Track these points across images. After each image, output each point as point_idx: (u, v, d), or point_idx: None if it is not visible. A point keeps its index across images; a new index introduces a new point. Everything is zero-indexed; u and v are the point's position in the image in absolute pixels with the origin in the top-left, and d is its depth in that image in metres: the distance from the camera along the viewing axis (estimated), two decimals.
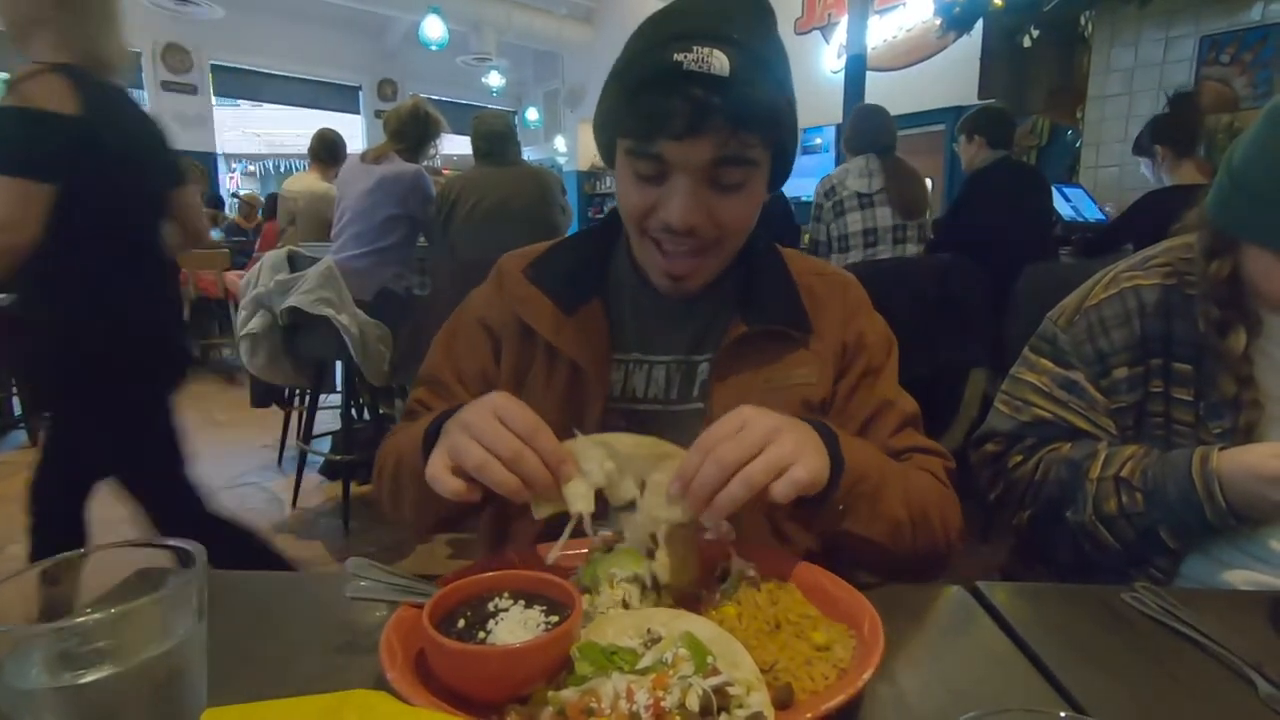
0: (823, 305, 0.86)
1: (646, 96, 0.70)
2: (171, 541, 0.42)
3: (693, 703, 0.46)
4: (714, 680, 0.48)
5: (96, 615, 0.37)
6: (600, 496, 0.63)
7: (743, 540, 0.73)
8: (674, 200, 0.73)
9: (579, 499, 0.61)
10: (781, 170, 0.80)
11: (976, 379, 2.89)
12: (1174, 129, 2.86)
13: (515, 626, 0.52)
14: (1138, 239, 3.01)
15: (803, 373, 0.83)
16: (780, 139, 0.76)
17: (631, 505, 0.63)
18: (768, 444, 0.58)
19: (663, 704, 0.45)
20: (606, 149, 0.81)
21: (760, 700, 0.48)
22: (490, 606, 0.55)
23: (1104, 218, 3.56)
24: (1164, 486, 0.83)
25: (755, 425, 0.59)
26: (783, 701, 0.49)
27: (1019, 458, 0.98)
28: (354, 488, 2.91)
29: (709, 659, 0.50)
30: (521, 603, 0.55)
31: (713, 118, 0.69)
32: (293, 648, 0.60)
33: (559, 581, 0.57)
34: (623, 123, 0.75)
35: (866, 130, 3.12)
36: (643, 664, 0.49)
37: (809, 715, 0.44)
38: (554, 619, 0.54)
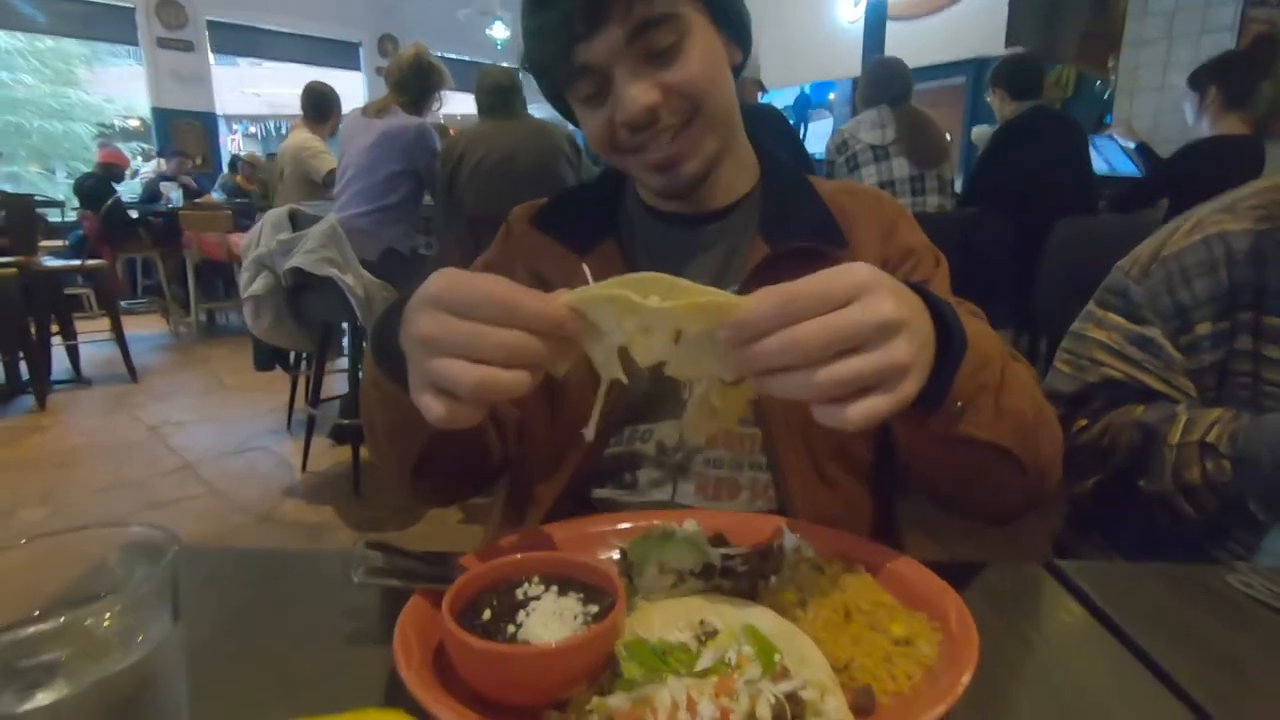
0: (856, 220, 0.78)
1: (538, 20, 0.68)
2: (138, 526, 0.35)
3: (764, 712, 0.39)
4: (786, 685, 0.40)
5: (43, 624, 0.30)
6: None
7: (786, 486, 0.67)
8: (619, 98, 0.68)
9: (603, 366, 0.49)
10: (729, 11, 0.73)
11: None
12: (1238, 72, 2.68)
13: (549, 618, 0.45)
14: (1175, 193, 2.86)
15: None
16: None
17: (662, 364, 0.49)
18: (877, 342, 0.42)
19: (731, 717, 0.38)
20: (563, 108, 0.78)
21: (837, 707, 0.41)
22: (519, 594, 0.48)
23: (1136, 170, 3.40)
24: (1257, 454, 0.75)
25: (873, 306, 0.42)
26: (864, 707, 0.42)
27: (1083, 422, 0.90)
28: (364, 451, 2.87)
29: (776, 658, 0.43)
30: (555, 589, 0.48)
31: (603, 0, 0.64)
32: (294, 638, 0.53)
33: (595, 565, 0.50)
34: (544, 65, 0.72)
35: (879, 80, 2.98)
36: (701, 665, 0.42)
37: None
38: (593, 608, 0.47)
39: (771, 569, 0.56)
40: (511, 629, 0.45)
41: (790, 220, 0.75)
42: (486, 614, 0.46)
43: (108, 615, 0.31)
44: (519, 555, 0.51)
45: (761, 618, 0.47)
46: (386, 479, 0.75)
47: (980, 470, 0.59)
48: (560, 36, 0.67)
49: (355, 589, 0.54)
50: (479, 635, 0.43)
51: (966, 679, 0.41)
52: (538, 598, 0.48)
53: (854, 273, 0.43)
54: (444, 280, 0.48)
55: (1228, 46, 3.42)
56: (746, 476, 0.75)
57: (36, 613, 0.31)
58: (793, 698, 0.40)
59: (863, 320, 0.42)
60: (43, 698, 0.29)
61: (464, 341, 0.46)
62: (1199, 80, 2.72)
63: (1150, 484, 0.81)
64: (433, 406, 0.47)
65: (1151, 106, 3.74)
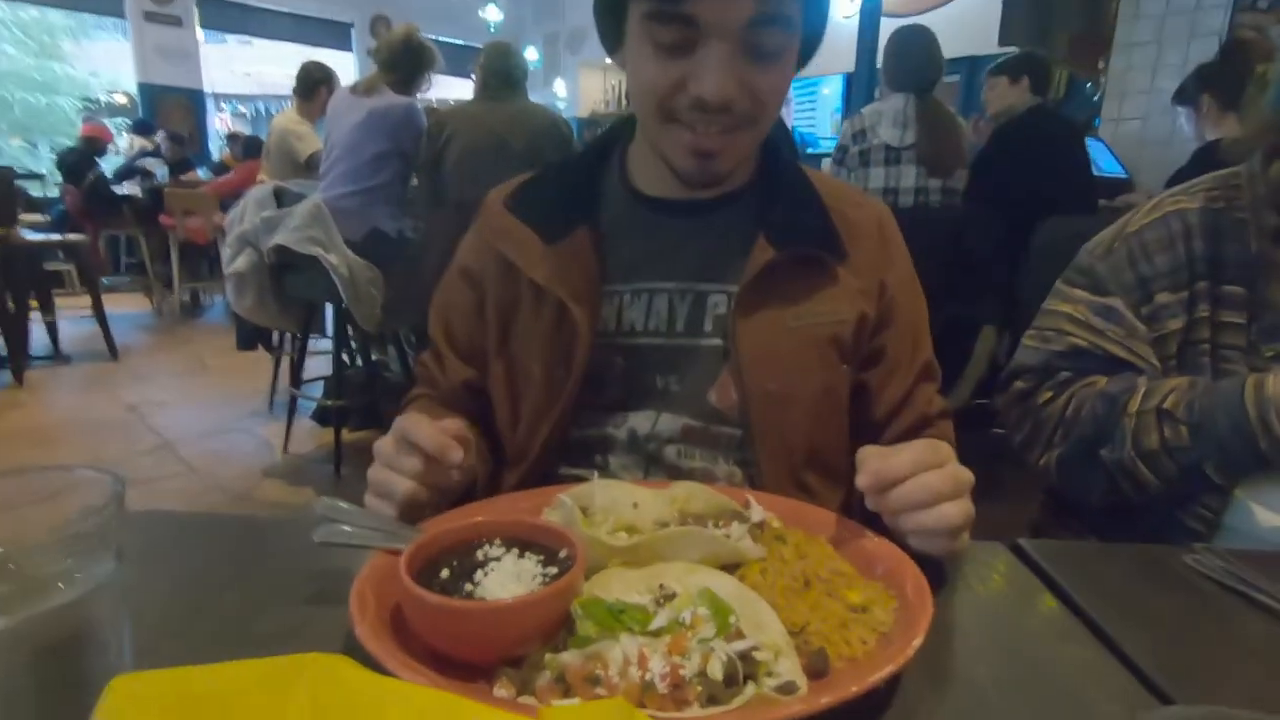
0: (857, 232, 0.77)
1: None
2: (82, 468, 0.34)
3: (715, 670, 0.39)
4: (739, 645, 0.41)
5: None
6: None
7: (762, 489, 0.67)
8: (708, 71, 0.63)
9: None
10: (811, 41, 0.71)
11: (987, 335, 2.79)
12: (1224, 77, 2.68)
13: (507, 579, 0.45)
14: None
15: (833, 309, 0.74)
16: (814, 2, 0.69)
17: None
18: (964, 497, 0.55)
19: (681, 672, 0.38)
20: (610, 24, 0.70)
21: (790, 668, 0.41)
22: (479, 555, 0.48)
23: (1124, 172, 3.42)
24: (1213, 418, 0.77)
25: (961, 471, 0.56)
26: (817, 669, 0.43)
27: (1049, 394, 0.92)
28: (346, 433, 2.85)
29: (731, 619, 0.43)
30: (515, 551, 0.48)
31: None
32: (253, 601, 0.53)
33: (557, 529, 0.50)
34: None
35: (910, 57, 2.74)
36: (656, 624, 0.43)
37: (855, 689, 0.37)
38: (552, 570, 0.47)
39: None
40: (469, 587, 0.45)
41: (796, 224, 0.75)
42: (445, 573, 0.46)
43: (48, 553, 0.31)
44: (480, 519, 0.51)
45: (723, 584, 0.48)
46: None
47: None
48: None
49: (318, 554, 0.54)
50: (436, 592, 0.43)
51: (918, 643, 0.41)
52: (498, 559, 0.48)
53: (944, 448, 0.57)
54: (408, 422, 0.61)
55: (1215, 51, 3.44)
56: (722, 470, 0.75)
57: None
58: (745, 657, 0.40)
59: (963, 479, 0.55)
60: None
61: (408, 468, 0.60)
62: (1188, 94, 2.73)
63: (1111, 453, 0.83)
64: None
65: (1141, 109, 3.76)
